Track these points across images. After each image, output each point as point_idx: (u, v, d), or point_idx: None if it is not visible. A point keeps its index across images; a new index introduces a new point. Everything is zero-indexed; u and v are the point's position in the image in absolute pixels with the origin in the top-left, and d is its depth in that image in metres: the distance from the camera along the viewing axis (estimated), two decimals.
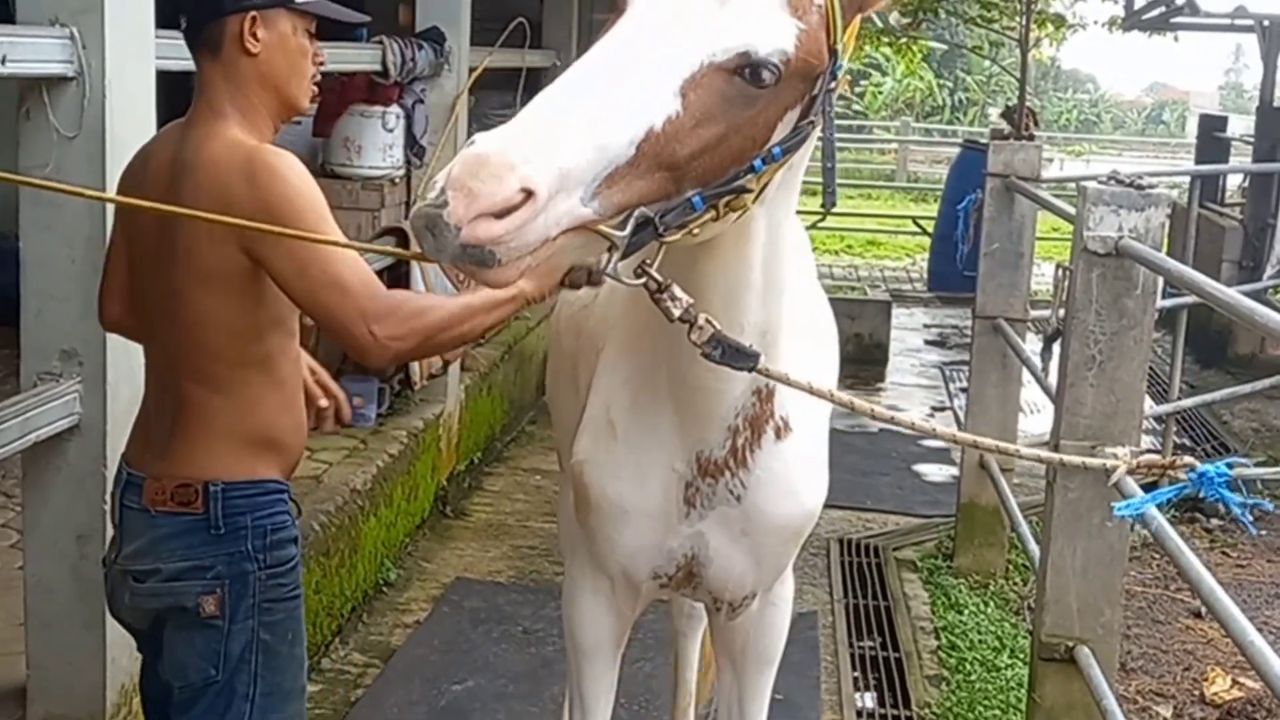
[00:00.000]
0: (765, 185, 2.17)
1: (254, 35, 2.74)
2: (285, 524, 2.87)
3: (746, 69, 2.00)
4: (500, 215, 1.81)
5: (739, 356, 2.26)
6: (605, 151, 1.90)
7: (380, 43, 6.07)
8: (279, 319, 2.79)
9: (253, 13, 2.74)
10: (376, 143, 6.43)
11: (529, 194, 1.82)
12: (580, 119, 1.91)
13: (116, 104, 3.37)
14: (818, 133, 2.18)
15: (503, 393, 7.99)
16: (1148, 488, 3.12)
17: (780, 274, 2.47)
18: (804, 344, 2.73)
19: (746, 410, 2.62)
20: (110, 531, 2.95)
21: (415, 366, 6.49)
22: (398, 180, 6.64)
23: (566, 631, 3.09)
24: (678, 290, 2.16)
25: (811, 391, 2.40)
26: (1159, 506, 2.91)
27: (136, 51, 3.47)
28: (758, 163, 2.08)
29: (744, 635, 3.09)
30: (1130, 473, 2.51)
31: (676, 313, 2.17)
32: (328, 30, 3.86)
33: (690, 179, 2.02)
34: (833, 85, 2.15)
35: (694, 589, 2.92)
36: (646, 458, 2.71)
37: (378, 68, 6.06)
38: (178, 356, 2.78)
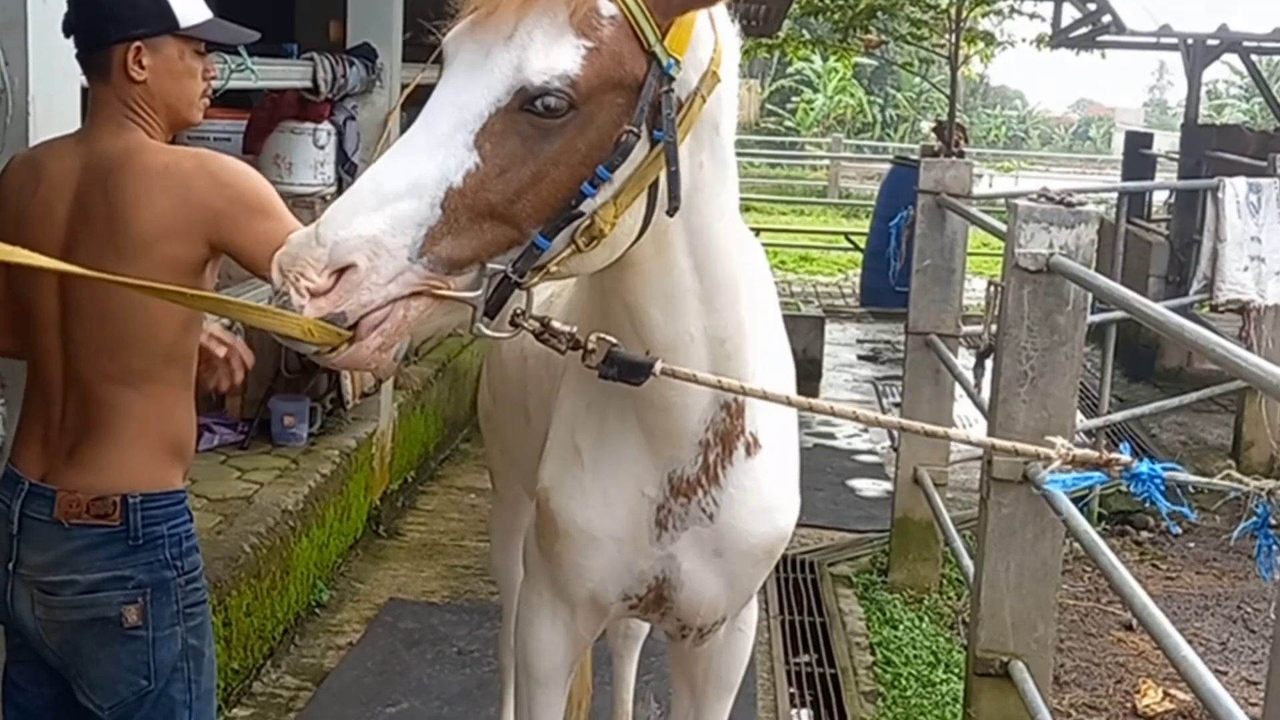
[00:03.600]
0: (620, 214, 2.11)
1: (139, 63, 2.78)
2: (191, 531, 2.90)
3: (533, 103, 2.01)
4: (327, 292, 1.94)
5: (635, 369, 2.25)
6: (412, 216, 1.98)
7: (311, 59, 6.02)
8: (202, 314, 2.88)
9: (136, 43, 2.77)
10: (308, 160, 6.36)
11: (344, 269, 1.95)
12: (384, 188, 2.00)
13: (41, 120, 3.31)
14: (642, 143, 2.10)
15: (436, 411, 7.94)
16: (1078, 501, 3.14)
17: (728, 276, 2.42)
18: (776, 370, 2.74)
19: (717, 424, 2.58)
20: None
21: (347, 385, 6.43)
22: (329, 197, 6.56)
23: (520, 659, 3.02)
24: (557, 324, 2.17)
25: (745, 392, 2.38)
26: (1086, 509, 2.93)
27: (61, 67, 3.40)
28: (587, 187, 2.06)
29: (706, 661, 3.05)
30: (1067, 463, 2.52)
31: (563, 346, 2.18)
32: (256, 45, 3.80)
33: (527, 219, 2.04)
34: (668, 88, 2.10)
35: (662, 615, 2.86)
36: (615, 483, 2.66)
37: (309, 84, 6.00)
38: (104, 357, 2.77)
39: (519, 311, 2.13)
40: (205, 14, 2.89)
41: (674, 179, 2.16)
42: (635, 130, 2.08)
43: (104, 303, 2.74)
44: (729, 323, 2.45)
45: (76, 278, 2.73)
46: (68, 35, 2.88)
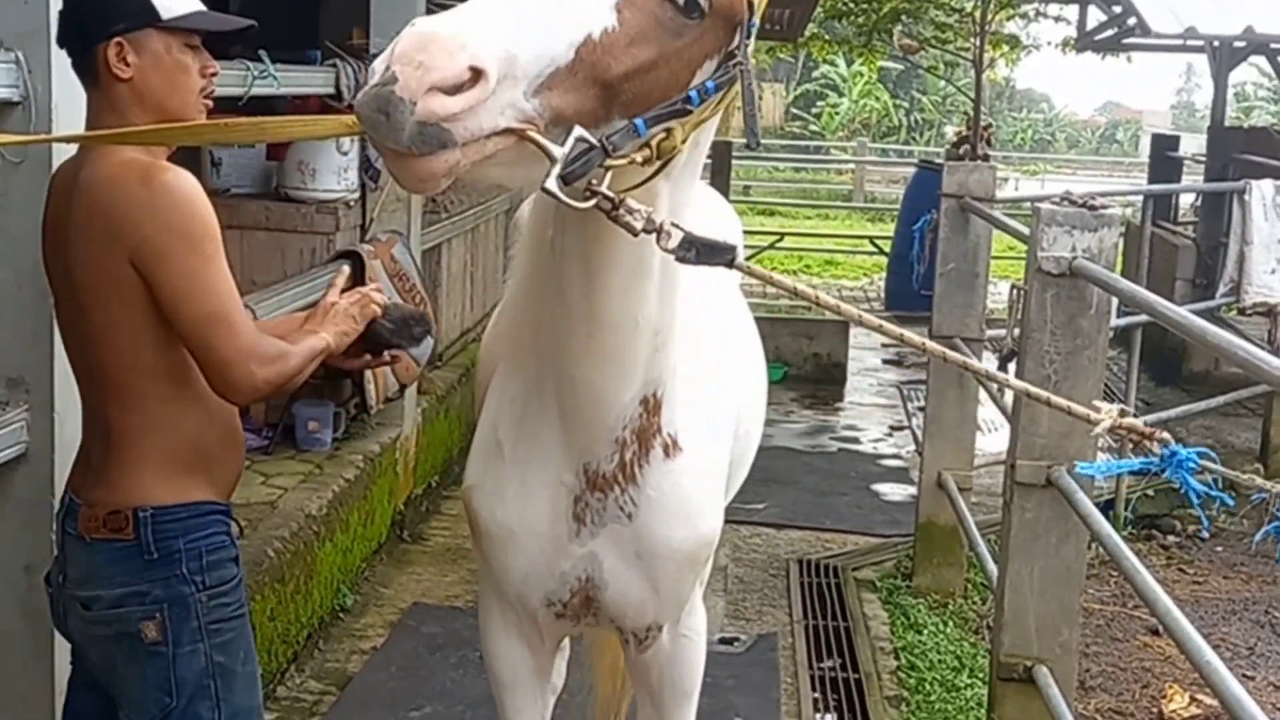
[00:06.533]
0: (688, 135, 2.16)
1: (123, 61, 2.69)
2: (223, 544, 2.84)
3: None
4: (450, 93, 1.79)
5: (715, 252, 2.17)
6: (549, 48, 1.90)
7: (334, 65, 6.03)
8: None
9: (117, 39, 2.68)
10: (331, 165, 6.39)
11: (478, 73, 1.80)
12: (525, 13, 1.91)
13: (63, 128, 3.33)
14: (735, 87, 2.19)
15: (460, 415, 7.94)
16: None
17: (674, 268, 2.42)
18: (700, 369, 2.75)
19: (633, 422, 2.60)
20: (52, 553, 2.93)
21: (371, 390, 6.43)
22: (352, 203, 6.60)
23: (486, 665, 3.06)
24: (633, 202, 2.07)
25: (796, 292, 2.36)
26: (1112, 513, 2.92)
27: None
28: (693, 94, 2.10)
29: (657, 669, 3.06)
30: (1112, 429, 2.52)
31: (639, 225, 2.08)
32: (279, 52, 3.79)
33: (620, 102, 2.02)
34: (747, 40, 2.18)
35: (594, 616, 2.87)
36: (533, 473, 2.69)
37: (331, 90, 6.02)
38: (96, 378, 2.78)
39: (593, 183, 2.04)
40: (192, 5, 2.77)
41: (751, 118, 2.23)
42: (742, 62, 2.17)
43: (82, 330, 2.74)
44: (665, 314, 2.48)
45: (70, 310, 2.75)
46: (62, 47, 2.80)
